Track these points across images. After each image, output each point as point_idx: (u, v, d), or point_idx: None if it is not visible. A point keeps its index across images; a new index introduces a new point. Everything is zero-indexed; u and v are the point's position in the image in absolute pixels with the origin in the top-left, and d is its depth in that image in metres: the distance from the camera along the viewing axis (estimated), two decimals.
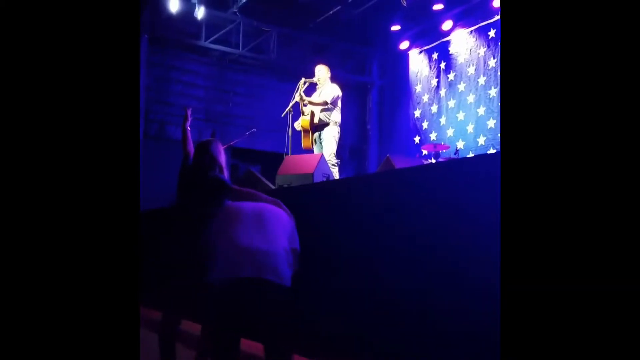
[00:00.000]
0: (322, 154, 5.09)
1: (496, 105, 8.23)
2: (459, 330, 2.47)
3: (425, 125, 9.53)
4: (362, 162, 10.66)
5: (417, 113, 9.72)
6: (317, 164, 4.62)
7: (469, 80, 8.77)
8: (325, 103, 5.56)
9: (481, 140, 8.37)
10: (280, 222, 2.64)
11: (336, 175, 5.35)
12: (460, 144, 8.49)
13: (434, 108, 9.39)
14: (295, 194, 3.84)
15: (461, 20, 8.89)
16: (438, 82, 9.37)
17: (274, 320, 2.41)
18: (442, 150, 7.41)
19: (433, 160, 7.23)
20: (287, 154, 5.61)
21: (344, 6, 8.86)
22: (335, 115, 5.62)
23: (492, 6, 8.20)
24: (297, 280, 2.55)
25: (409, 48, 9.91)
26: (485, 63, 8.53)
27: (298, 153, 5.66)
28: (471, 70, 8.75)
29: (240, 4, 8.81)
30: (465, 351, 2.42)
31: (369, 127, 10.82)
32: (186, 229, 2.98)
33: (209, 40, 9.03)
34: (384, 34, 9.90)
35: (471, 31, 8.79)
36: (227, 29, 9.12)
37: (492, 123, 8.23)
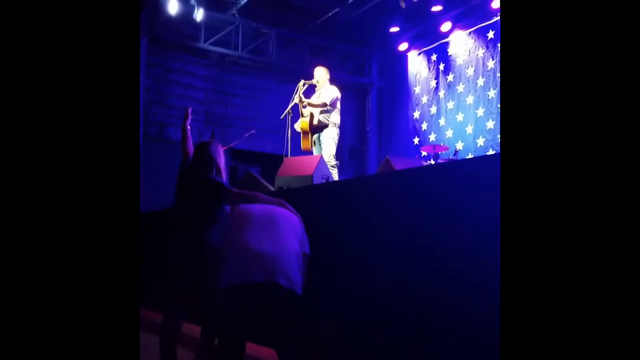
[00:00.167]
0: (322, 156, 5.09)
1: (495, 106, 8.23)
2: (458, 331, 2.47)
3: (424, 126, 9.53)
4: (361, 164, 10.66)
5: (416, 114, 9.73)
6: (317, 166, 4.61)
7: (468, 81, 8.78)
8: (325, 104, 5.56)
9: (480, 142, 8.37)
10: (290, 225, 2.61)
11: (335, 177, 5.35)
12: (459, 145, 8.49)
13: (433, 109, 9.40)
14: (295, 196, 3.84)
15: (460, 22, 8.90)
16: (437, 84, 9.38)
17: (284, 326, 2.37)
18: (441, 151, 7.41)
19: (432, 162, 7.23)
20: (287, 155, 5.61)
21: (343, 8, 8.87)
22: (335, 117, 5.62)
23: (491, 7, 8.21)
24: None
25: (408, 49, 9.92)
26: (484, 64, 8.54)
27: (297, 155, 5.66)
28: (470, 71, 8.76)
29: (239, 5, 8.81)
30: (465, 351, 2.42)
31: (368, 128, 10.82)
32: (184, 231, 2.97)
33: (208, 42, 9.04)
34: (383, 36, 9.91)
35: (470, 32, 8.80)
36: (226, 30, 9.13)
37: (491, 124, 8.24)
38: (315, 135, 5.67)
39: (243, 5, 8.78)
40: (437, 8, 8.63)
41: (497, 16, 8.28)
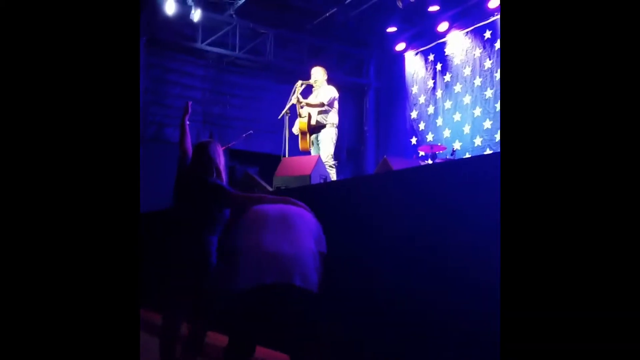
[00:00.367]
0: (319, 156, 5.09)
1: (492, 106, 8.25)
2: (457, 331, 2.48)
3: (422, 126, 9.55)
4: (359, 164, 10.67)
5: (413, 114, 9.74)
6: (314, 166, 4.62)
7: (465, 81, 8.79)
8: (322, 104, 5.56)
9: (478, 141, 8.39)
10: (305, 223, 2.54)
11: (333, 177, 5.35)
12: (456, 145, 8.51)
13: (431, 109, 9.41)
14: (293, 196, 3.83)
15: (457, 22, 8.92)
16: (434, 84, 9.40)
17: (299, 328, 2.31)
18: (438, 151, 7.42)
19: (430, 161, 7.24)
20: (285, 155, 5.61)
21: (340, 8, 8.88)
22: (333, 117, 5.63)
23: (488, 7, 8.23)
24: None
25: (405, 49, 9.94)
26: (481, 64, 8.55)
27: (296, 155, 5.66)
28: (467, 71, 8.77)
29: (236, 6, 8.81)
30: (465, 351, 2.43)
31: (365, 128, 10.83)
32: (184, 233, 2.92)
33: (206, 43, 9.03)
34: (380, 36, 9.92)
35: (467, 32, 8.82)
36: (224, 31, 9.12)
37: (489, 124, 8.25)
38: (314, 136, 5.68)
39: (240, 6, 8.78)
40: (434, 8, 8.65)
41: (493, 16, 8.30)
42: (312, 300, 2.31)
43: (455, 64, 9.02)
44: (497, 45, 8.27)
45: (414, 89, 9.81)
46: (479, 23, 8.58)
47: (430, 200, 2.74)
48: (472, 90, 8.63)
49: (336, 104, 5.67)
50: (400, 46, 9.90)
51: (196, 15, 8.40)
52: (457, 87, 8.91)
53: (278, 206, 2.63)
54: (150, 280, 3.30)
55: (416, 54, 9.83)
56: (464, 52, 8.85)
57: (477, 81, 8.57)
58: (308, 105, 5.62)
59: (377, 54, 10.65)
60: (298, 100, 5.59)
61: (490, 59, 8.40)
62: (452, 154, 7.58)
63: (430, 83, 9.47)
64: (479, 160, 3.10)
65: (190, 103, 3.45)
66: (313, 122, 5.58)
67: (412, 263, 2.75)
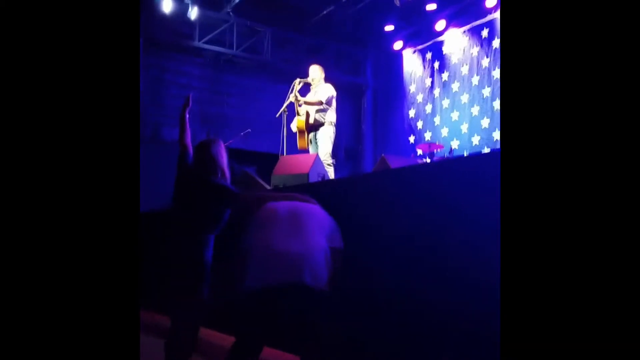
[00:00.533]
0: (317, 154, 5.09)
1: (490, 105, 8.26)
2: (455, 330, 2.48)
3: (419, 125, 9.55)
4: (357, 162, 10.67)
5: (411, 113, 9.74)
6: (312, 164, 4.62)
7: (463, 80, 8.80)
8: (321, 103, 5.56)
9: (475, 140, 8.39)
10: (316, 220, 2.49)
11: (331, 175, 5.35)
12: (454, 144, 8.52)
13: (428, 108, 9.41)
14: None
15: (454, 20, 8.92)
16: (432, 82, 9.40)
17: (308, 328, 2.30)
18: (436, 149, 7.43)
19: (428, 160, 7.25)
20: (283, 154, 5.60)
21: (338, 6, 8.87)
22: (331, 116, 5.62)
23: (485, 6, 8.23)
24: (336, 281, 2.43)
25: (403, 48, 9.93)
26: (478, 63, 8.56)
27: (294, 153, 5.65)
28: (465, 70, 8.78)
29: (233, 4, 8.79)
30: (465, 351, 2.43)
31: (363, 127, 10.83)
32: (185, 234, 2.86)
33: (203, 41, 9.01)
34: (378, 34, 9.92)
35: (464, 31, 8.82)
36: (221, 29, 9.10)
37: (486, 123, 8.26)
38: (312, 134, 5.67)
39: (237, 4, 8.76)
40: (431, 6, 8.65)
41: (491, 14, 8.30)
42: (322, 299, 2.28)
43: (452, 62, 9.02)
44: (495, 43, 8.28)
45: (412, 88, 9.81)
46: (476, 21, 8.59)
47: (428, 199, 2.74)
48: (470, 89, 8.64)
49: (334, 103, 5.67)
50: (397, 45, 9.89)
51: (193, 13, 8.38)
52: (455, 86, 8.92)
53: (287, 203, 2.59)
54: (150, 280, 3.28)
55: (414, 52, 9.83)
56: (462, 51, 8.85)
57: (475, 80, 8.57)
58: (306, 103, 5.62)
59: (374, 52, 10.65)
60: (296, 99, 5.58)
61: (487, 57, 8.41)
62: (449, 153, 7.58)
63: (428, 82, 9.47)
64: (477, 158, 3.11)
65: (191, 95, 3.32)
66: (311, 120, 5.58)
67: (410, 262, 2.75)
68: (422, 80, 9.61)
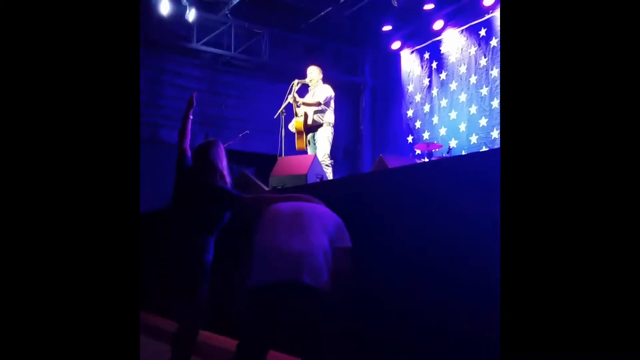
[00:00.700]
0: (316, 155, 5.08)
1: (488, 104, 8.26)
2: (455, 329, 2.48)
3: (418, 124, 9.55)
4: (355, 162, 10.67)
5: (409, 113, 9.75)
6: (311, 165, 4.61)
7: (461, 79, 8.80)
8: (319, 103, 5.56)
9: (473, 139, 8.40)
10: (319, 220, 2.48)
11: (330, 176, 5.35)
12: (452, 143, 8.52)
13: (427, 107, 9.41)
14: None
15: (452, 20, 8.93)
16: (430, 82, 9.40)
17: (309, 328, 2.29)
18: (435, 149, 7.43)
19: (426, 159, 7.25)
20: (281, 155, 5.60)
21: (335, 7, 8.87)
22: (329, 116, 5.62)
23: (483, 5, 8.23)
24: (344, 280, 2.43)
25: (401, 48, 9.94)
26: (476, 62, 8.56)
27: (292, 154, 5.65)
28: (463, 69, 8.79)
29: (231, 5, 8.79)
30: (465, 351, 2.43)
31: (362, 127, 10.84)
32: (184, 236, 2.86)
33: (201, 43, 9.01)
34: (376, 35, 9.93)
35: (462, 30, 8.83)
36: (219, 31, 9.10)
37: (484, 122, 8.27)
38: (310, 135, 5.67)
39: (235, 5, 8.76)
40: (429, 6, 8.66)
41: (488, 14, 8.31)
42: (321, 298, 2.28)
43: (450, 62, 9.03)
44: (492, 42, 8.29)
45: (410, 88, 9.81)
46: (474, 21, 8.59)
47: (427, 198, 2.75)
48: (468, 88, 8.65)
49: (332, 103, 5.67)
50: (395, 45, 9.90)
51: (191, 15, 8.38)
52: (453, 85, 8.92)
53: (291, 204, 2.58)
54: (150, 281, 3.28)
55: (412, 52, 9.83)
56: (460, 50, 8.86)
57: (473, 79, 8.58)
58: (305, 104, 5.61)
59: (372, 52, 10.66)
60: (294, 100, 5.58)
61: (485, 57, 8.41)
62: (448, 152, 7.59)
63: (426, 81, 9.47)
64: (475, 157, 3.11)
65: (195, 94, 3.26)
66: (309, 121, 5.58)
67: (409, 261, 2.75)
68: (420, 79, 9.62)
